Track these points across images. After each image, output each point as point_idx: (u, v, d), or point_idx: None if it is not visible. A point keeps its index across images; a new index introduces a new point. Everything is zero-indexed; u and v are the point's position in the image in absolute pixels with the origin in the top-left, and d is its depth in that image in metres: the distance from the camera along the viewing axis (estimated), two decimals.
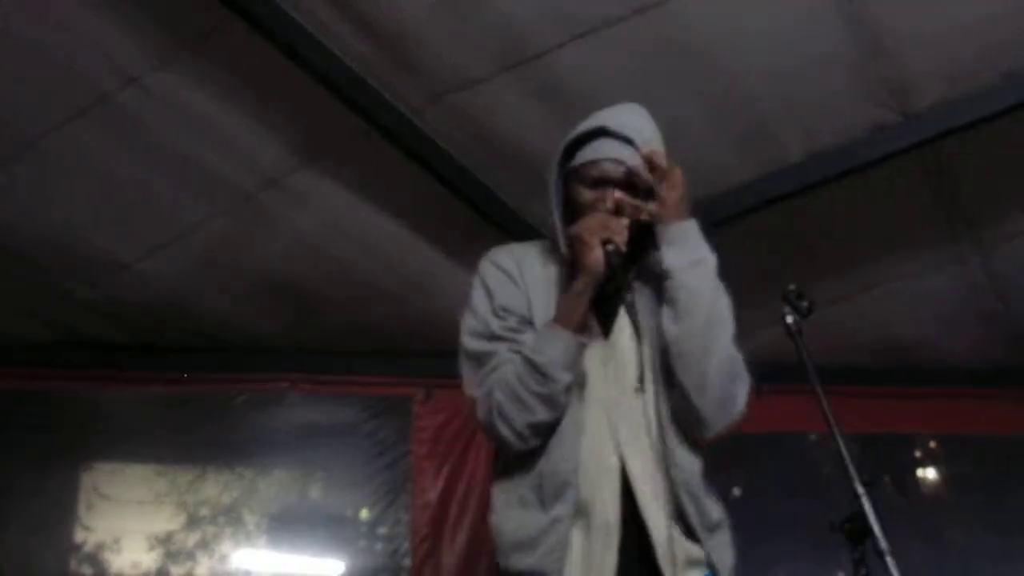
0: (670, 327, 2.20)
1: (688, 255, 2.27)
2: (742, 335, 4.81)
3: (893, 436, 5.46)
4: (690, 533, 2.17)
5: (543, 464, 2.13)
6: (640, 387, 2.22)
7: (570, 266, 2.23)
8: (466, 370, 2.24)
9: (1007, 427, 5.25)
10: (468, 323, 2.26)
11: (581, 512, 2.11)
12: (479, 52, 3.17)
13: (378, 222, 3.87)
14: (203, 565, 5.54)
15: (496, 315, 2.22)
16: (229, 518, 5.63)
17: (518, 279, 2.29)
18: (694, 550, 2.17)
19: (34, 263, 4.08)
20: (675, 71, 3.30)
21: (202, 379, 5.00)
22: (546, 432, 2.13)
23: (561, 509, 2.09)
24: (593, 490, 2.12)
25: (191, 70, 3.20)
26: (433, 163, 3.51)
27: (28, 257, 4.04)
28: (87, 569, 5.37)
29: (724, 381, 2.32)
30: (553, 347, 2.11)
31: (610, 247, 2.14)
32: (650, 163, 2.22)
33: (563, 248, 2.27)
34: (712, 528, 2.23)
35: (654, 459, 2.16)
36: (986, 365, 5.13)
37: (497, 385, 2.13)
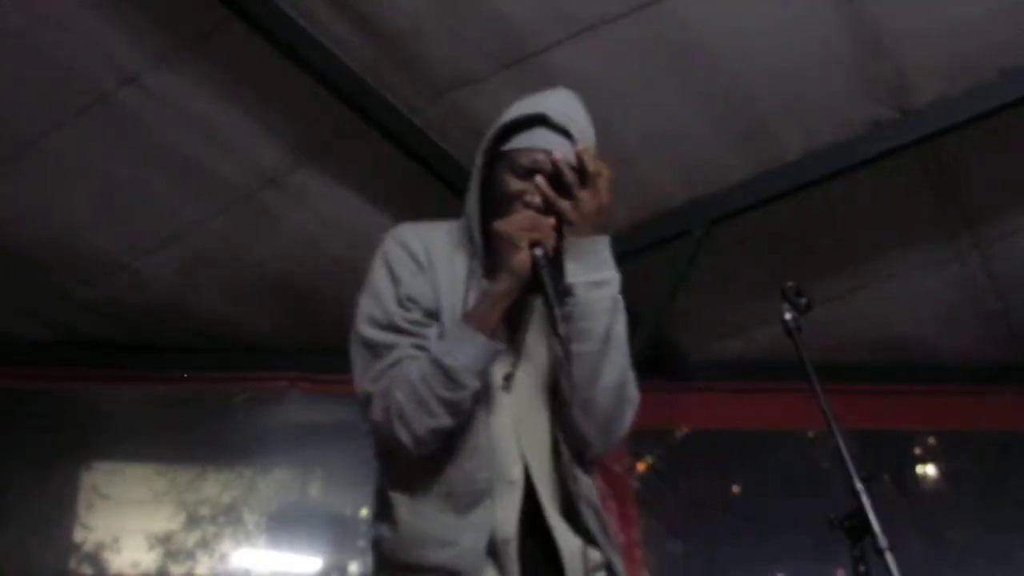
0: (568, 345, 2.02)
1: (592, 274, 2.06)
2: (741, 332, 4.86)
3: (892, 433, 5.48)
4: (591, 541, 2.06)
5: (453, 472, 1.97)
6: (541, 398, 2.11)
7: (483, 259, 2.10)
8: (359, 360, 2.03)
9: (1006, 424, 5.27)
10: (368, 309, 2.06)
11: (494, 522, 1.96)
12: (478, 50, 3.18)
13: (377, 220, 3.87)
14: (203, 564, 5.54)
15: (400, 305, 2.03)
16: (229, 517, 5.63)
17: (425, 265, 2.10)
18: (596, 555, 2.06)
19: (34, 263, 4.08)
20: (674, 69, 3.31)
21: (201, 378, 5.00)
22: (445, 438, 1.97)
23: (477, 518, 1.94)
24: (502, 501, 1.97)
25: (190, 70, 3.21)
26: (432, 161, 3.51)
27: (28, 257, 4.04)
28: (87, 568, 5.37)
29: (610, 406, 2.13)
30: (465, 351, 1.94)
31: (538, 251, 1.98)
32: (578, 163, 2.06)
33: (476, 237, 2.12)
34: (612, 542, 2.11)
35: (554, 471, 2.07)
36: (985, 362, 5.14)
37: (398, 385, 1.94)
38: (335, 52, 3.14)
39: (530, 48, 3.17)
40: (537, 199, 2.05)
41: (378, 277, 2.11)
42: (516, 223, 2.02)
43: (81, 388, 5.07)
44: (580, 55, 3.21)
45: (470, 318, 1.99)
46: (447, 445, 1.97)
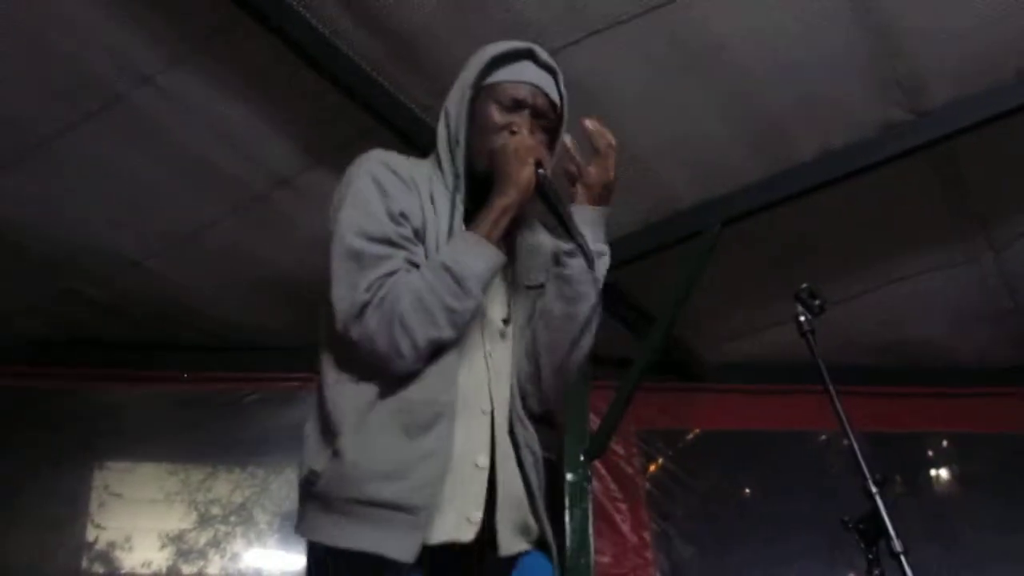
0: (555, 303, 2.05)
1: (598, 244, 2.06)
2: (754, 334, 4.84)
3: (905, 435, 5.45)
4: (530, 499, 2.02)
5: (414, 391, 1.88)
6: (505, 335, 2.09)
7: (461, 190, 2.08)
8: (344, 272, 1.95)
9: (1020, 426, 5.24)
10: (356, 220, 1.97)
11: (451, 448, 1.88)
12: None
13: None
14: (214, 564, 5.54)
15: (392, 219, 1.95)
16: (240, 517, 5.62)
17: (412, 186, 2.04)
18: (531, 521, 2.00)
19: (46, 262, 4.10)
20: (688, 70, 3.30)
21: (213, 378, 5.02)
22: (435, 355, 1.90)
23: (432, 442, 1.85)
24: (466, 429, 1.92)
25: (203, 70, 3.21)
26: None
27: (41, 256, 4.06)
28: (99, 567, 5.37)
29: (575, 373, 2.14)
30: (475, 259, 1.91)
31: (542, 171, 2.00)
32: (599, 136, 2.10)
33: (460, 169, 2.08)
34: (540, 506, 2.04)
35: (512, 412, 2.04)
36: (998, 364, 5.13)
37: (400, 292, 1.86)
38: (347, 52, 3.14)
39: (544, 48, 3.15)
40: (524, 130, 2.06)
41: (365, 191, 2.01)
42: (519, 140, 2.02)
43: (93, 388, 5.09)
44: (594, 56, 3.20)
45: (477, 229, 1.95)
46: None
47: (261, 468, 5.59)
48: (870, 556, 2.11)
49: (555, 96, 2.17)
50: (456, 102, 2.14)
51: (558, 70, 2.19)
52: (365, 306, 1.88)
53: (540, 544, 2.04)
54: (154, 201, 3.80)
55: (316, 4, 2.98)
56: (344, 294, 1.93)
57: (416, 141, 3.43)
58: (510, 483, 1.97)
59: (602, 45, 3.17)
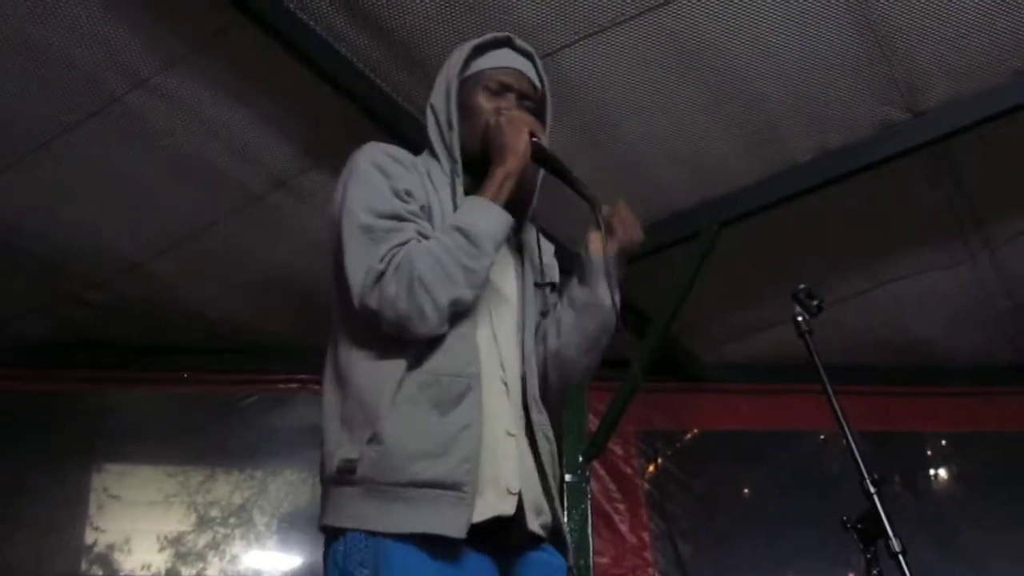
0: (572, 355, 2.21)
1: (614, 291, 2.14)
2: (751, 334, 4.85)
3: (903, 435, 5.45)
4: (544, 484, 2.06)
5: (440, 361, 1.91)
6: (516, 329, 2.16)
7: (460, 174, 2.14)
8: (357, 245, 1.96)
9: (1018, 425, 5.25)
10: (364, 199, 1.99)
11: (482, 419, 1.91)
12: None
13: None
14: (213, 566, 5.54)
15: (399, 197, 2.00)
16: (239, 519, 5.62)
17: (413, 170, 2.10)
18: (544, 503, 2.04)
19: (45, 264, 4.10)
20: (684, 71, 3.30)
21: (212, 380, 5.02)
22: (456, 318, 1.94)
23: (465, 415, 1.88)
24: (490, 399, 1.96)
25: (200, 71, 3.21)
26: None
27: (39, 258, 4.06)
28: (97, 570, 5.37)
29: (583, 376, 2.32)
30: (485, 218, 1.96)
31: (536, 140, 2.08)
32: (621, 217, 2.17)
33: (456, 155, 2.15)
34: (553, 486, 2.08)
35: (524, 395, 2.11)
36: (996, 363, 5.13)
37: (418, 256, 1.89)
38: (344, 54, 3.14)
39: (540, 50, 3.14)
40: (514, 112, 2.14)
41: (368, 175, 2.05)
42: (511, 115, 2.12)
43: (91, 390, 5.09)
44: (590, 57, 3.21)
45: (484, 193, 2.02)
46: (439, 338, 1.93)
47: (260, 470, 5.59)
48: (868, 556, 2.12)
49: (535, 79, 2.27)
50: (442, 95, 2.21)
51: (535, 54, 2.29)
52: (381, 275, 1.90)
53: (555, 536, 2.07)
54: (152, 203, 3.81)
55: (314, 6, 2.99)
56: (359, 266, 1.94)
57: (415, 143, 3.43)
58: (528, 455, 2.03)
59: (597, 47, 3.17)
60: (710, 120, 3.53)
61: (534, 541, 2.01)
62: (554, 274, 2.31)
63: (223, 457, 5.51)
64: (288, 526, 5.62)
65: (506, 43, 2.26)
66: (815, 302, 2.39)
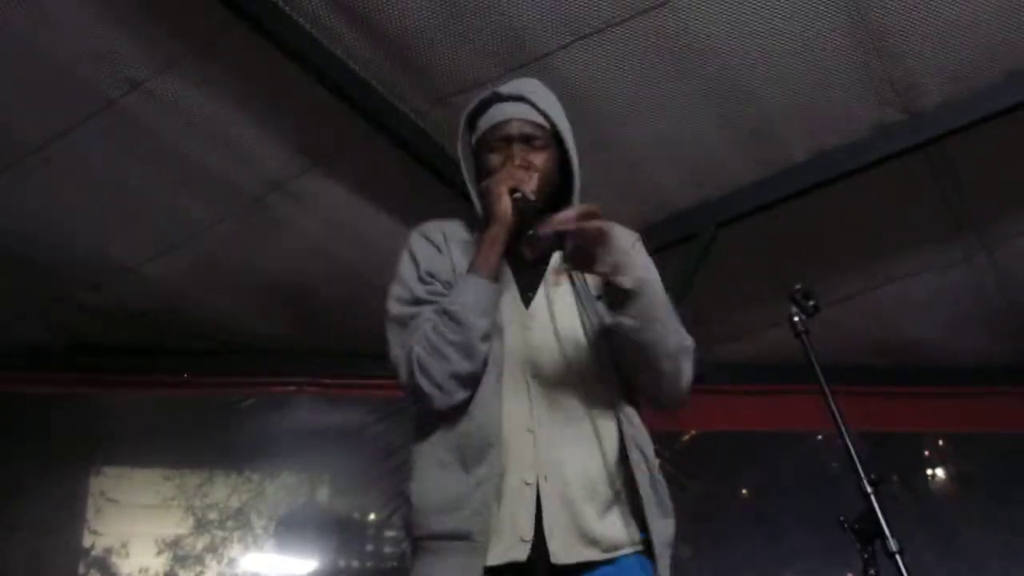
0: (632, 336, 2.17)
1: (637, 272, 2.18)
2: (749, 335, 4.85)
3: (902, 435, 5.47)
4: (632, 502, 2.15)
5: (465, 424, 2.10)
6: (565, 361, 2.22)
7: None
8: (392, 336, 2.19)
9: (1015, 426, 5.26)
10: (394, 291, 2.24)
11: (501, 473, 2.07)
12: (484, 54, 3.17)
13: (383, 224, 3.87)
14: (211, 569, 5.56)
15: (421, 281, 2.21)
16: (237, 522, 5.65)
17: (443, 248, 2.28)
18: (599, 529, 2.10)
19: (42, 268, 4.09)
20: (680, 72, 3.30)
21: (209, 383, 5.02)
22: (468, 384, 2.10)
23: (484, 470, 2.05)
24: (512, 452, 2.09)
25: (196, 74, 3.21)
26: (438, 165, 3.51)
27: (36, 262, 4.05)
28: (95, 573, 5.39)
29: (675, 367, 2.34)
30: (466, 293, 2.11)
31: (517, 195, 2.14)
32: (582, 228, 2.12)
33: (478, 209, 2.28)
34: (663, 501, 2.19)
35: (580, 422, 2.17)
36: (994, 363, 5.13)
37: (416, 340, 2.09)
38: (340, 56, 3.14)
39: (536, 52, 3.17)
40: (517, 160, 2.23)
41: (403, 264, 2.28)
42: (495, 177, 2.21)
43: (89, 393, 5.09)
44: (586, 58, 3.21)
45: (469, 267, 2.16)
46: (465, 401, 2.11)
47: (257, 473, 5.61)
48: (866, 556, 2.11)
49: (533, 116, 2.31)
50: (464, 170, 2.36)
51: (525, 94, 2.33)
52: (400, 361, 2.13)
53: (646, 547, 2.14)
54: (148, 206, 3.80)
55: (310, 8, 2.98)
56: (391, 354, 2.18)
57: (411, 145, 3.44)
58: (566, 493, 2.09)
59: (594, 48, 3.17)
60: (707, 121, 3.53)
61: (589, 567, 2.09)
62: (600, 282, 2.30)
63: (221, 460, 5.53)
64: (286, 528, 5.64)
65: (494, 99, 2.34)
66: (811, 302, 2.39)
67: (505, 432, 2.09)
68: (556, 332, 2.24)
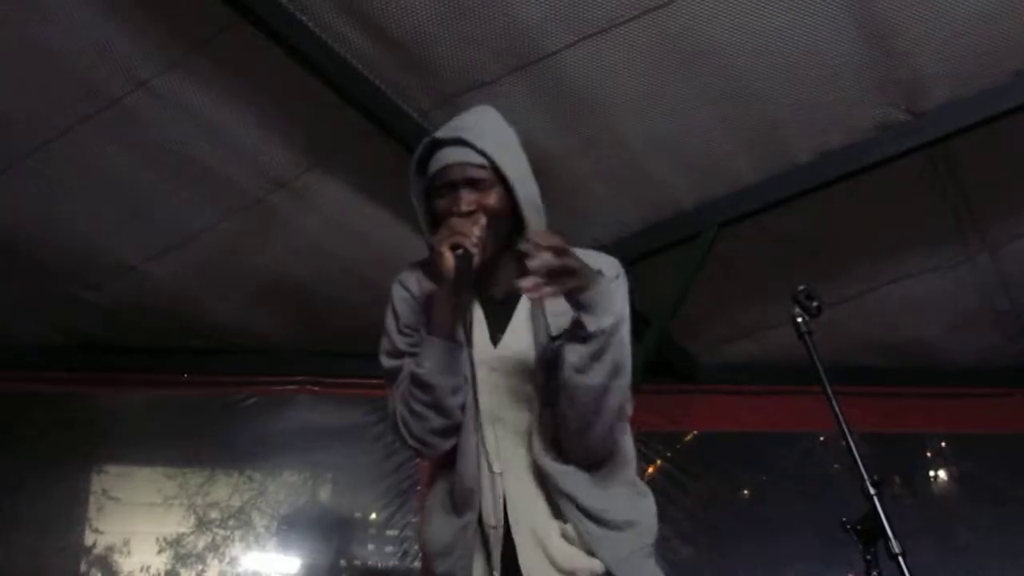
0: (572, 375, 2.12)
1: (607, 319, 2.11)
2: (751, 335, 4.85)
3: (903, 436, 5.46)
4: (579, 538, 2.19)
5: (454, 470, 2.21)
6: (529, 397, 2.24)
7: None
8: (388, 387, 2.30)
9: (1017, 427, 5.25)
10: (383, 344, 2.34)
11: (479, 517, 2.20)
12: (487, 54, 3.17)
13: (386, 224, 3.87)
14: (213, 568, 5.56)
15: (401, 333, 2.30)
16: (238, 520, 5.65)
17: (418, 298, 2.32)
18: (577, 558, 2.17)
19: (43, 267, 4.09)
20: (684, 72, 3.30)
21: (210, 382, 5.01)
22: (451, 434, 2.21)
23: (469, 514, 2.18)
24: (488, 495, 2.20)
25: (199, 74, 3.21)
26: None
27: (37, 261, 4.05)
28: (96, 571, 5.39)
29: (605, 433, 2.22)
30: (428, 356, 2.18)
31: (459, 251, 2.13)
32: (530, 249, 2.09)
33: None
34: (612, 526, 2.22)
35: (529, 468, 2.22)
36: (996, 364, 5.12)
37: (397, 400, 2.22)
38: (344, 55, 3.14)
39: (540, 51, 3.17)
40: (462, 205, 2.21)
41: (387, 317, 2.36)
42: (437, 235, 2.19)
43: (91, 392, 5.09)
44: (590, 58, 3.20)
45: (428, 329, 2.22)
46: (454, 449, 2.22)
47: (259, 472, 5.61)
48: (868, 557, 2.11)
49: (473, 158, 2.24)
50: (420, 217, 2.37)
51: (464, 136, 2.26)
52: (390, 414, 2.26)
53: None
54: (151, 205, 3.80)
55: (314, 8, 2.98)
56: (389, 407, 2.29)
57: (414, 145, 3.42)
58: (531, 526, 2.18)
59: (598, 48, 3.17)
60: (710, 121, 3.52)
61: None
62: (564, 321, 2.24)
63: (222, 459, 5.53)
64: (287, 527, 5.64)
65: (433, 146, 2.29)
66: (814, 303, 2.38)
67: (483, 479, 2.21)
68: (518, 372, 2.27)
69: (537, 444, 2.20)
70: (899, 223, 4.12)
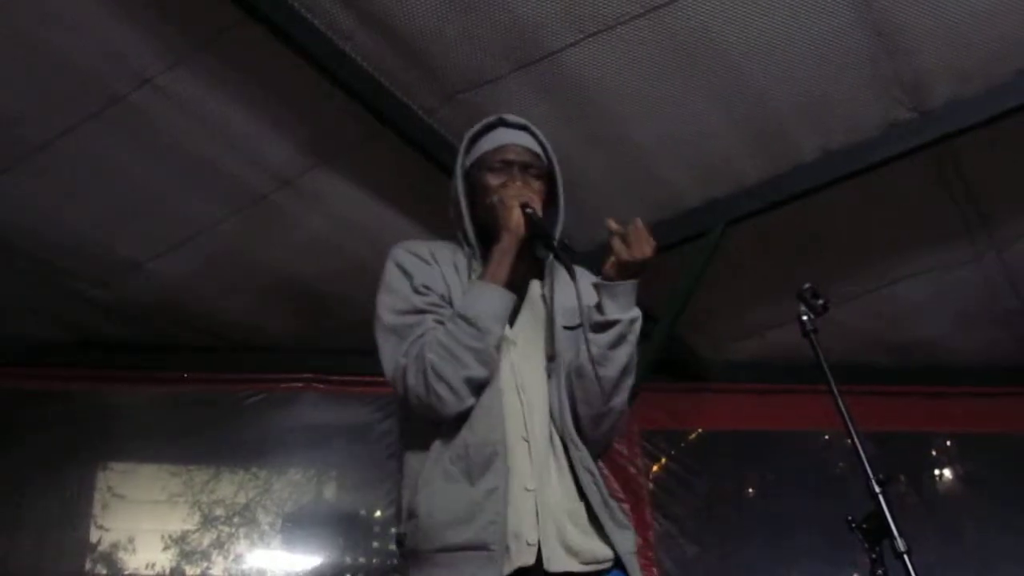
0: (586, 363, 2.21)
1: (627, 311, 2.24)
2: (757, 333, 4.84)
3: (909, 435, 5.45)
4: (592, 518, 2.20)
5: (466, 434, 2.14)
6: (548, 372, 2.28)
7: (478, 257, 2.33)
8: (387, 346, 2.23)
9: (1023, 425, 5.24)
10: (387, 302, 2.27)
11: (507, 482, 2.11)
12: (492, 52, 3.17)
13: (391, 221, 3.87)
14: (218, 565, 5.55)
15: (417, 292, 2.25)
16: (243, 518, 5.63)
17: (431, 262, 2.33)
18: (579, 541, 2.16)
19: (48, 264, 4.10)
20: (690, 70, 3.30)
21: (216, 379, 5.02)
22: (478, 390, 2.15)
23: (491, 479, 2.09)
24: (514, 461, 2.14)
25: (204, 71, 3.21)
26: (446, 162, 3.50)
27: (42, 258, 4.06)
28: (102, 568, 5.38)
29: (614, 421, 2.30)
30: (483, 300, 2.17)
31: (529, 210, 2.23)
32: (624, 230, 2.24)
33: (471, 238, 2.36)
34: (614, 514, 2.23)
35: (551, 439, 2.22)
36: (1002, 363, 5.12)
37: (428, 347, 2.13)
38: (349, 53, 3.14)
39: (544, 49, 3.17)
40: (518, 182, 2.32)
41: (392, 277, 2.31)
42: (506, 191, 2.29)
43: (95, 389, 5.09)
44: (595, 56, 3.20)
45: (482, 275, 2.22)
46: (465, 411, 2.14)
47: (264, 469, 5.60)
48: (873, 556, 2.11)
49: (534, 147, 2.41)
50: (455, 188, 2.42)
51: (529, 124, 2.44)
52: (405, 369, 2.15)
53: (615, 562, 2.19)
54: (155, 202, 3.81)
55: (320, 6, 2.98)
56: (389, 363, 2.21)
57: (419, 142, 3.43)
58: (551, 503, 2.15)
59: (602, 46, 3.17)
60: (716, 119, 3.52)
61: None
62: (573, 316, 2.35)
63: (227, 456, 5.52)
64: (292, 525, 5.63)
65: (498, 123, 2.44)
66: (820, 301, 2.39)
67: (509, 441, 2.14)
68: (534, 353, 2.30)
69: (559, 418, 2.23)
70: (905, 221, 4.11)
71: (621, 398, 2.27)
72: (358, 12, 3.01)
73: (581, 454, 2.22)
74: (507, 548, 2.05)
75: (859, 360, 4.74)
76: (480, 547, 2.04)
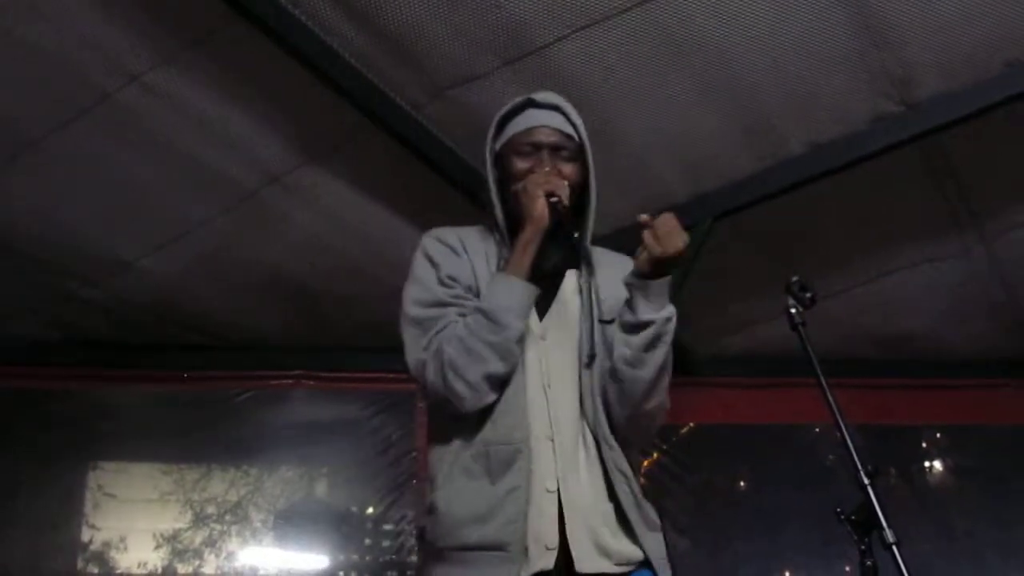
0: (624, 368, 2.17)
1: (661, 311, 2.19)
2: (746, 327, 4.85)
3: (899, 428, 5.47)
4: (622, 520, 2.17)
5: (488, 431, 2.11)
6: (585, 365, 2.24)
7: (509, 244, 2.27)
8: (410, 338, 2.19)
9: (1013, 418, 5.26)
10: (412, 293, 2.24)
11: (528, 481, 2.08)
12: (480, 46, 3.17)
13: (381, 218, 3.87)
14: (210, 563, 5.55)
15: (442, 284, 2.22)
16: (235, 516, 5.64)
17: (461, 252, 2.30)
18: (610, 541, 2.14)
19: (39, 263, 4.09)
20: (677, 64, 3.30)
21: (206, 377, 5.02)
22: (499, 386, 2.12)
23: (512, 478, 2.06)
24: (538, 461, 2.11)
25: (192, 68, 3.20)
26: (435, 158, 3.51)
27: (33, 257, 4.05)
28: (94, 568, 5.38)
29: (651, 422, 2.31)
30: (503, 294, 2.13)
31: (554, 199, 2.20)
32: (655, 224, 2.26)
33: (500, 224, 2.32)
34: (646, 516, 2.22)
35: (582, 438, 2.19)
36: (991, 356, 5.14)
37: (447, 341, 2.11)
38: (337, 49, 3.13)
39: (533, 44, 3.17)
40: (546, 167, 2.28)
41: (419, 267, 2.28)
42: (531, 179, 2.24)
43: (86, 387, 5.09)
44: (583, 50, 3.20)
45: (504, 268, 2.20)
46: (488, 407, 2.12)
47: (255, 467, 5.60)
48: (863, 547, 2.11)
49: (566, 128, 2.36)
50: (486, 173, 2.38)
51: (561, 104, 2.38)
52: (425, 363, 2.13)
53: (645, 565, 2.16)
54: (146, 200, 3.80)
55: (308, 3, 2.98)
56: (411, 356, 2.18)
57: (408, 138, 3.43)
58: (580, 503, 2.12)
59: (591, 40, 3.17)
60: (703, 113, 3.52)
61: None
62: (615, 305, 2.30)
63: (218, 454, 5.52)
64: (284, 522, 5.64)
65: (528, 104, 2.38)
66: (808, 294, 2.38)
67: (533, 440, 2.11)
68: (565, 347, 2.26)
69: (592, 416, 2.20)
70: (894, 215, 4.12)
71: (659, 399, 2.25)
72: (346, 8, 3.00)
73: (614, 454, 2.19)
74: (525, 550, 2.03)
75: (848, 353, 4.75)
76: (497, 547, 2.02)
